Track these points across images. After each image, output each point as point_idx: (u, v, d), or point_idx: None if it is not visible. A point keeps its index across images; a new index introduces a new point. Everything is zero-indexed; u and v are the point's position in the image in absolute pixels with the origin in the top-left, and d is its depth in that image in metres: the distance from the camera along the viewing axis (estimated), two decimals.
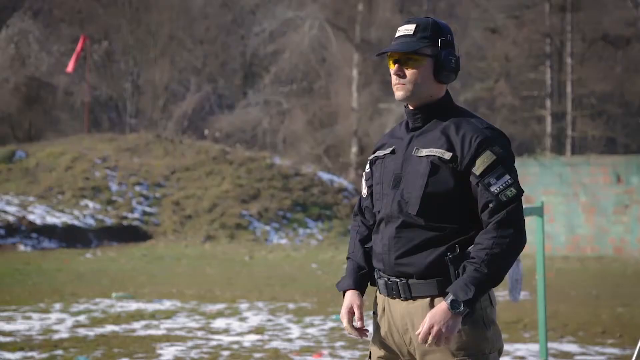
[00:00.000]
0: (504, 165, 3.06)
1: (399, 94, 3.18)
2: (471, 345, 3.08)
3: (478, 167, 3.05)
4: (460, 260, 3.05)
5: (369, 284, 3.30)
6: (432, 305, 3.09)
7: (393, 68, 3.17)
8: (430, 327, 2.98)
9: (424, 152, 3.11)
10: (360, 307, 3.24)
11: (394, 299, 3.17)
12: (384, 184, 3.20)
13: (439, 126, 3.15)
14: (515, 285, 5.22)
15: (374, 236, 3.25)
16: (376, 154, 3.27)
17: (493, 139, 3.08)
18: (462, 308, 2.96)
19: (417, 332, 3.04)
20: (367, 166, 3.35)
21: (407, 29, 3.17)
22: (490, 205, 3.04)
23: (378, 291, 3.26)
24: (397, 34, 3.20)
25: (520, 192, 3.07)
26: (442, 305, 2.99)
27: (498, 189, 3.04)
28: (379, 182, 3.22)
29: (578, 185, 19.97)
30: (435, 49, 3.14)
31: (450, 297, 2.98)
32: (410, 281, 3.11)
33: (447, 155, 3.07)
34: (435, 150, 3.10)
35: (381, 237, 3.19)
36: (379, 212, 3.21)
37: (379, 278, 3.21)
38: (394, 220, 3.15)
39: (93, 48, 35.15)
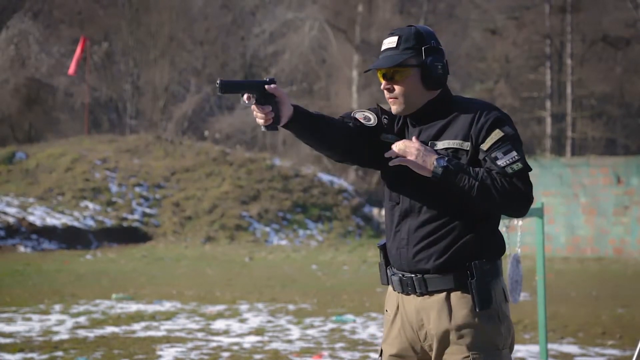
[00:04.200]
0: (512, 143, 3.09)
1: (394, 108, 3.21)
2: (486, 340, 3.10)
3: (486, 143, 3.09)
4: (482, 271, 3.08)
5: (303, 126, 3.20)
6: (448, 299, 3.11)
7: (382, 83, 3.20)
8: (412, 146, 3.08)
9: (440, 144, 3.14)
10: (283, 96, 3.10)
11: (409, 295, 3.18)
12: (398, 173, 3.20)
13: (446, 117, 3.17)
14: (515, 286, 5.22)
15: (387, 233, 3.25)
16: (389, 137, 3.24)
17: (503, 119, 3.13)
18: (442, 164, 3.04)
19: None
20: (374, 114, 3.27)
21: (390, 41, 3.19)
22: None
23: (392, 288, 3.26)
24: (382, 47, 3.22)
25: (527, 167, 3.09)
26: (431, 149, 3.10)
27: (505, 162, 3.07)
28: (394, 169, 3.20)
29: (578, 186, 19.97)
30: (419, 58, 3.15)
31: (443, 157, 3.06)
32: (426, 276, 3.13)
33: (466, 146, 3.11)
34: (452, 142, 3.13)
35: (400, 231, 3.19)
36: (397, 203, 3.21)
37: (393, 275, 3.22)
38: (414, 215, 3.17)
39: (93, 49, 35.15)
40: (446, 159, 3.06)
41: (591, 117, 32.96)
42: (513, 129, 3.12)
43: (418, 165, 3.07)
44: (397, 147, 3.11)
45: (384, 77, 3.18)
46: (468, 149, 3.10)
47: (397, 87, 3.16)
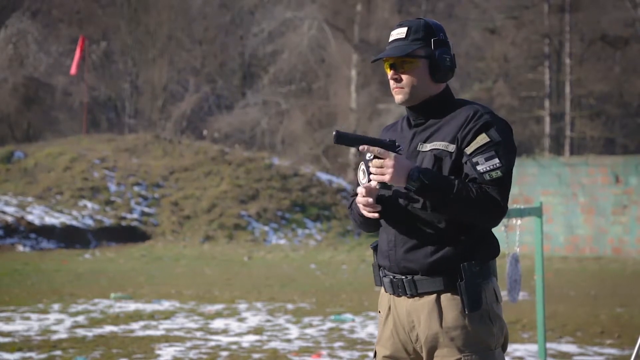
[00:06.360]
0: (497, 149, 3.04)
1: (398, 97, 3.19)
2: (478, 341, 3.08)
3: (470, 147, 3.06)
4: (471, 273, 3.05)
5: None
6: (438, 301, 3.10)
7: (389, 73, 3.19)
8: (389, 166, 3.02)
9: (428, 146, 3.13)
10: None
11: (400, 296, 3.17)
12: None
13: (441, 120, 3.16)
14: (514, 285, 5.22)
15: (380, 234, 3.26)
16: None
17: (491, 123, 3.08)
18: (416, 182, 2.98)
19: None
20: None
21: (399, 32, 3.19)
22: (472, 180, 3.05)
23: (383, 290, 3.26)
24: (390, 38, 3.22)
25: (507, 177, 3.04)
26: (407, 162, 3.04)
27: (484, 168, 3.03)
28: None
29: (577, 185, 19.97)
30: (428, 49, 3.15)
31: (419, 169, 3.01)
32: (416, 277, 3.12)
33: (451, 148, 3.08)
34: (438, 143, 3.11)
35: (387, 234, 3.20)
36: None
37: (385, 276, 3.22)
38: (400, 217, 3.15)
39: (92, 48, 35.14)
40: (421, 168, 3.02)
41: (590, 116, 32.96)
42: (501, 135, 3.07)
43: (394, 180, 3.04)
44: (374, 166, 3.07)
45: (392, 67, 3.17)
46: (452, 151, 3.07)
47: (404, 77, 3.16)
